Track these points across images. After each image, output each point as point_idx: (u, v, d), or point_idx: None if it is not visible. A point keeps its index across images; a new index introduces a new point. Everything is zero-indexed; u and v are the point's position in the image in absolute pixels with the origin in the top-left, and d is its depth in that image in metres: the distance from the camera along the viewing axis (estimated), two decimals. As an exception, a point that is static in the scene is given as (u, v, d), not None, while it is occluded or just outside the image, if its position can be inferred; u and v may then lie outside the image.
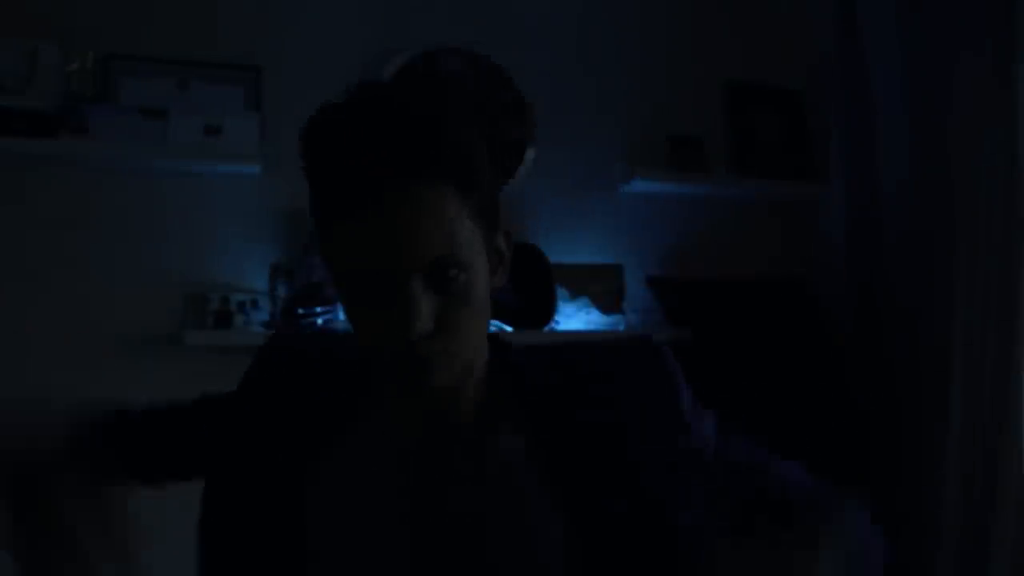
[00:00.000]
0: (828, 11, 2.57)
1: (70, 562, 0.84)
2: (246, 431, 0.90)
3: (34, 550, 0.83)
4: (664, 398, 0.87)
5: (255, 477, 0.87)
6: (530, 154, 2.08)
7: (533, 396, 0.86)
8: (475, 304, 0.78)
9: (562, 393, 0.86)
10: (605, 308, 2.35)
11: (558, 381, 0.87)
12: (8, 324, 1.99)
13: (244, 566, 0.85)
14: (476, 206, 0.77)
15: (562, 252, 2.34)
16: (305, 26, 2.24)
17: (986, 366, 2.16)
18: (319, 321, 2.06)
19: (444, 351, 0.76)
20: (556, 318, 2.26)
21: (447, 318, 0.76)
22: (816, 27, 2.63)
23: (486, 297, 0.81)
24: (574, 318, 2.30)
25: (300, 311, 2.04)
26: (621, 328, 2.34)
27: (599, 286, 2.37)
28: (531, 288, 2.21)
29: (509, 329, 2.13)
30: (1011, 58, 2.16)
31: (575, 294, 2.32)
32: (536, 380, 0.87)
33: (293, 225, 2.16)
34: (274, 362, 0.94)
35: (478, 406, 0.86)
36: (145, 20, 2.11)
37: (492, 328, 0.90)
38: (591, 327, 2.30)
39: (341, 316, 2.10)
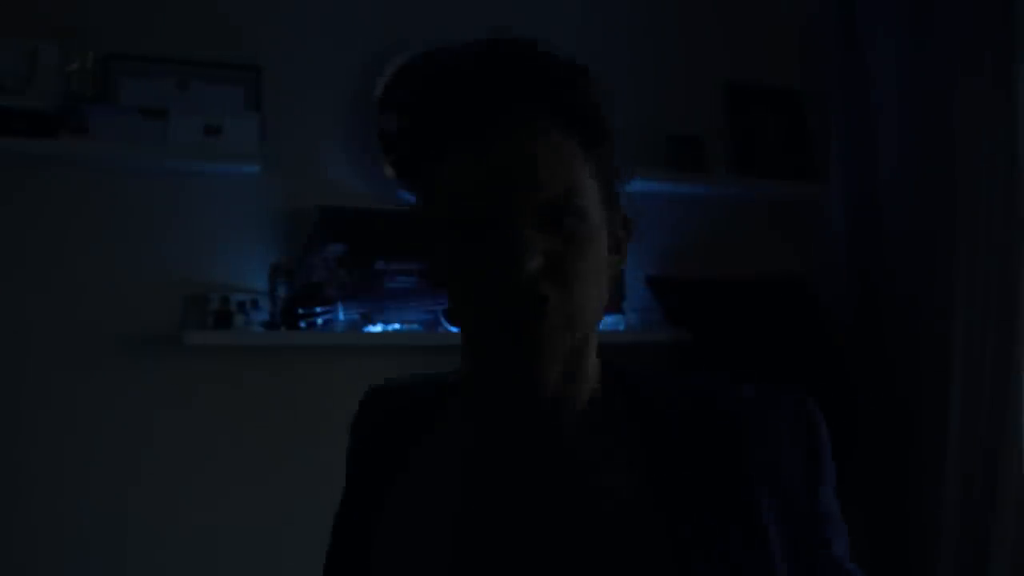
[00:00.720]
0: (828, 11, 2.58)
1: None
2: (353, 468, 0.89)
3: None
4: (804, 468, 0.73)
5: (350, 503, 0.86)
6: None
7: (655, 426, 0.74)
8: (592, 265, 0.71)
9: (688, 427, 0.74)
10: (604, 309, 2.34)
11: (685, 412, 0.75)
12: (8, 324, 2.00)
13: None
14: (599, 171, 0.73)
15: (562, 252, 2.34)
16: (305, 26, 2.24)
17: (986, 366, 2.17)
18: (319, 321, 2.06)
19: (557, 304, 0.68)
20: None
21: (560, 265, 0.69)
22: (816, 27, 2.63)
23: (603, 271, 0.73)
24: (574, 318, 2.30)
25: (300, 311, 2.04)
26: (621, 328, 2.34)
27: (599, 286, 2.37)
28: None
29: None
30: (1011, 58, 2.16)
31: (575, 294, 2.32)
32: (660, 408, 0.75)
33: (293, 225, 2.16)
34: (367, 410, 0.91)
35: (588, 426, 0.75)
36: (145, 20, 2.11)
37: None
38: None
39: (341, 316, 2.10)
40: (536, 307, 0.68)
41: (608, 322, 2.33)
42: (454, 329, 2.23)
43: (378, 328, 2.12)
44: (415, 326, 2.16)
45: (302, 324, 2.04)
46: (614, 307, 2.37)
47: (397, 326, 2.14)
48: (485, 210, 0.69)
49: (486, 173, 0.69)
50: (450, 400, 0.83)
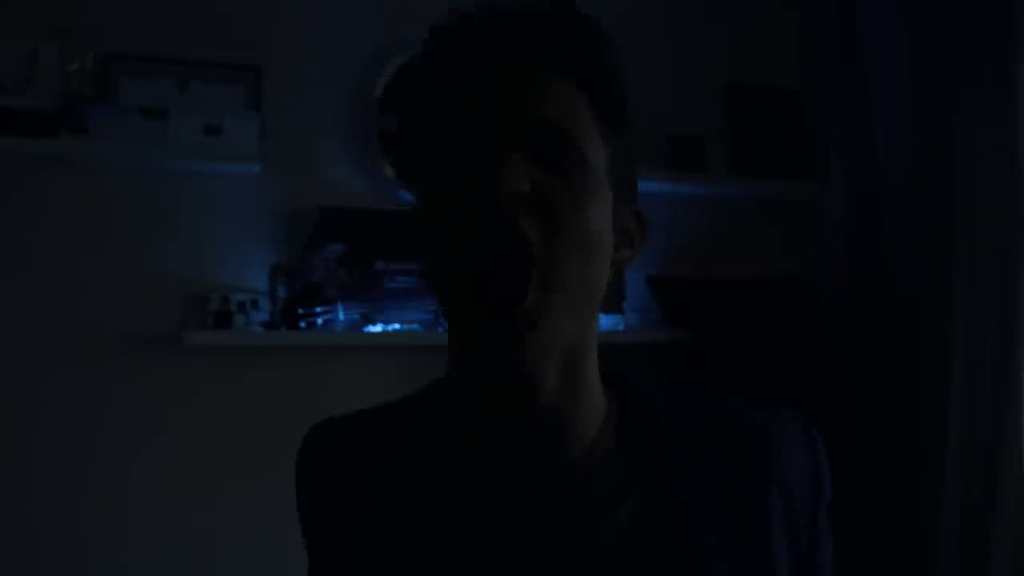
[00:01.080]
0: (828, 11, 2.58)
1: None
2: (307, 508, 0.78)
3: None
4: (810, 492, 0.68)
5: (316, 544, 0.76)
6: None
7: (672, 454, 0.66)
8: (590, 225, 0.61)
9: (711, 458, 0.66)
10: (605, 308, 2.34)
11: (704, 439, 0.67)
12: (8, 324, 1.99)
13: None
14: (610, 147, 0.67)
15: (562, 252, 2.34)
16: (305, 26, 2.24)
17: (986, 366, 2.16)
18: (319, 321, 2.06)
19: (540, 252, 0.58)
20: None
21: (548, 196, 0.59)
22: (816, 27, 2.63)
23: (603, 244, 0.63)
24: (574, 318, 2.30)
25: (300, 311, 2.04)
26: (621, 328, 2.34)
27: (599, 286, 2.37)
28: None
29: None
30: (1011, 58, 2.16)
31: (575, 294, 2.32)
32: (676, 432, 0.67)
33: (293, 225, 2.16)
34: (313, 442, 0.79)
35: (595, 455, 0.66)
36: (145, 20, 2.11)
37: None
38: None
39: (341, 316, 2.10)
40: (512, 238, 0.58)
41: (608, 322, 2.33)
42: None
43: (378, 328, 2.12)
44: (415, 326, 2.16)
45: (302, 324, 2.04)
46: (614, 307, 2.37)
47: (397, 326, 2.14)
48: (474, 135, 0.61)
49: (483, 101, 0.62)
50: (420, 419, 0.73)
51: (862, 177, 2.49)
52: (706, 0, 2.62)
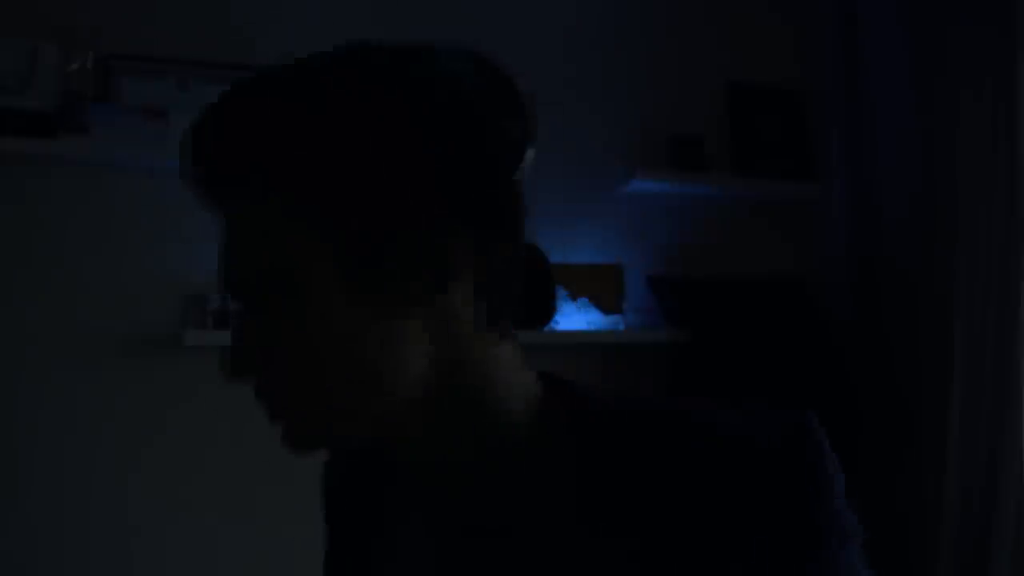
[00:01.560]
0: (829, 11, 2.58)
1: None
2: (332, 543, 0.82)
3: None
4: (796, 506, 0.59)
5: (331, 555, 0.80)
6: (530, 154, 2.08)
7: (603, 475, 0.61)
8: (304, 336, 0.60)
9: (661, 479, 0.59)
10: (605, 308, 2.35)
11: (660, 461, 0.60)
12: (8, 324, 1.99)
13: None
14: (325, 225, 0.59)
15: (562, 252, 2.34)
16: (305, 26, 2.24)
17: (986, 366, 2.16)
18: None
19: (279, 394, 0.62)
20: (556, 318, 2.26)
21: (269, 349, 0.63)
22: (816, 27, 2.63)
23: (343, 337, 0.59)
24: (574, 318, 2.30)
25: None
26: (621, 328, 2.34)
27: (599, 286, 2.37)
28: (531, 288, 2.21)
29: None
30: (1013, 58, 2.16)
31: (575, 294, 2.32)
32: (612, 448, 0.61)
33: (293, 225, 2.16)
34: (334, 461, 0.83)
35: (533, 478, 0.63)
36: (145, 20, 2.11)
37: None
38: (591, 327, 2.30)
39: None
40: (269, 406, 0.63)
41: (608, 322, 2.33)
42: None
43: (378, 328, 2.12)
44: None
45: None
46: (614, 307, 2.37)
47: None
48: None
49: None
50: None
51: (862, 177, 2.49)
52: (707, 1, 2.63)
